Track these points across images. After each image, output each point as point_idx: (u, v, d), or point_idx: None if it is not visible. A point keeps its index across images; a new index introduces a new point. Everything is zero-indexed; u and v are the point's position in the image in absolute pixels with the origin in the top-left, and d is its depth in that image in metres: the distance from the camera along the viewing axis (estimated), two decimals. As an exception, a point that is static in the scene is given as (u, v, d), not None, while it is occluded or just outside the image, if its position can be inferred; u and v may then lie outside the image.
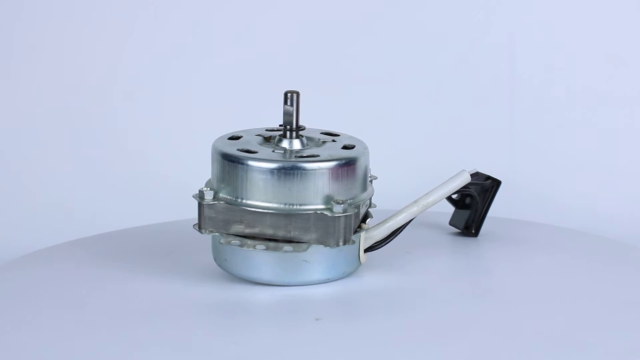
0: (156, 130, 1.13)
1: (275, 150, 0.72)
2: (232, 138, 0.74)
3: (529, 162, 1.12)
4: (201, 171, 0.79)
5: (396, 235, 0.76)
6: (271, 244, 0.70)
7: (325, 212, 0.69)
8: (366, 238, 0.74)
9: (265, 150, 0.72)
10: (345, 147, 0.72)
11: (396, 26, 1.14)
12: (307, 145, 0.73)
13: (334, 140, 0.74)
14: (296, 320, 0.69)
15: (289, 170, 0.70)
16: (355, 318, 0.70)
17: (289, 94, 0.72)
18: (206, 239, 0.74)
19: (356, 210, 0.70)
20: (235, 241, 0.70)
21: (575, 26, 1.12)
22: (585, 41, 1.11)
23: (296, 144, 0.73)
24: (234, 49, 1.14)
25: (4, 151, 1.11)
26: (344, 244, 0.70)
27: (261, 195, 0.70)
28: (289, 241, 0.70)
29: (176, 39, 1.14)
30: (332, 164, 0.70)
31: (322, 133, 0.76)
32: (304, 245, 0.69)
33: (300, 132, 0.74)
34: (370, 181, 0.75)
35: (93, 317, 0.69)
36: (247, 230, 0.70)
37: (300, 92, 0.73)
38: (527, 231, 0.88)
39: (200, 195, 0.71)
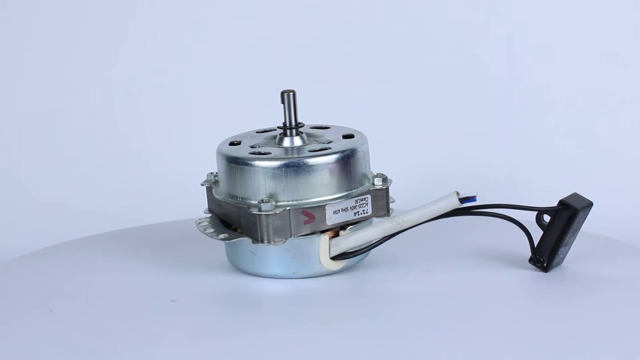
0: (158, 129, 1.13)
1: (254, 146, 0.74)
2: (259, 132, 0.77)
3: (528, 163, 1.12)
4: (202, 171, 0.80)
5: (371, 249, 0.72)
6: (217, 229, 0.73)
7: (252, 209, 0.70)
8: (333, 245, 0.72)
9: (244, 145, 0.74)
10: (320, 150, 0.72)
11: (394, 26, 1.14)
12: (307, 143, 0.74)
13: (330, 142, 0.73)
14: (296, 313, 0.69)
15: (236, 165, 0.72)
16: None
17: (285, 94, 0.73)
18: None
19: (280, 211, 0.69)
20: (203, 223, 0.75)
21: (575, 26, 1.11)
22: (585, 41, 1.11)
23: (297, 142, 0.73)
24: (236, 47, 1.13)
25: (6, 151, 1.12)
26: (268, 242, 0.70)
27: (225, 185, 0.73)
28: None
29: (177, 37, 1.13)
30: (274, 163, 0.70)
31: (343, 135, 0.75)
32: (234, 235, 0.72)
33: (323, 130, 0.76)
34: (387, 190, 0.73)
35: (105, 308, 0.70)
36: (223, 216, 0.75)
37: (296, 91, 0.73)
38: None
39: (207, 179, 0.77)
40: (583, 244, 0.77)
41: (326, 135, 0.75)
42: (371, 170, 0.74)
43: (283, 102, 0.73)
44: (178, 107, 1.12)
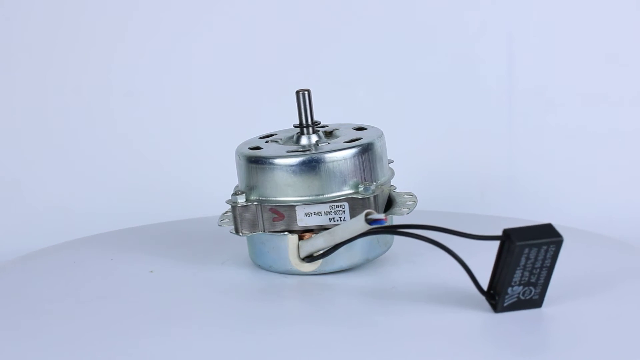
0: (158, 129, 1.13)
1: (269, 141, 0.76)
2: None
3: (528, 162, 1.11)
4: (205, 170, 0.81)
5: (325, 256, 0.72)
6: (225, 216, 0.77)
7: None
8: (300, 247, 0.73)
9: (263, 140, 0.77)
10: (298, 151, 0.73)
11: (394, 26, 1.13)
12: (324, 141, 0.75)
13: (328, 143, 0.74)
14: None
15: (236, 157, 0.75)
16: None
17: (300, 92, 0.74)
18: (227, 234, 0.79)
19: (247, 205, 0.72)
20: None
21: (575, 26, 1.11)
22: (585, 41, 1.10)
23: (314, 140, 0.75)
24: (236, 46, 1.12)
25: (6, 152, 1.13)
26: (240, 233, 0.73)
27: None
28: None
29: (176, 37, 1.13)
30: (251, 159, 0.73)
31: (347, 140, 0.75)
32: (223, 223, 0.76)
33: (356, 132, 0.76)
34: (372, 200, 0.72)
35: (124, 299, 0.72)
36: None
37: (311, 90, 0.74)
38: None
39: None
40: (582, 244, 0.77)
41: (345, 136, 0.74)
42: (373, 176, 0.73)
43: (298, 101, 0.74)
44: (179, 107, 1.13)
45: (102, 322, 0.67)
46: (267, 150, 0.73)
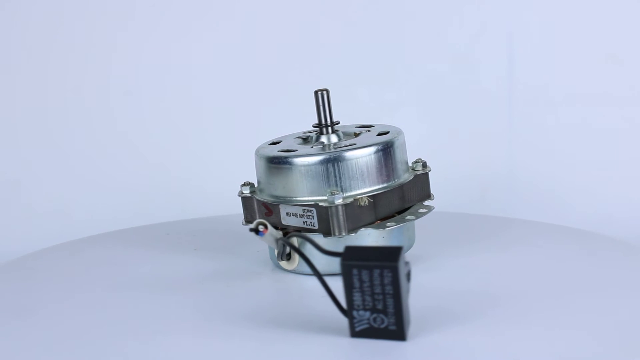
0: (158, 129, 1.13)
1: (298, 137, 0.77)
2: (358, 126, 0.79)
3: (528, 162, 1.12)
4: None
5: (282, 259, 0.73)
6: None
7: None
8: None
9: (290, 135, 0.78)
10: (288, 150, 0.74)
11: (394, 27, 1.14)
12: (343, 139, 0.75)
13: (322, 146, 0.74)
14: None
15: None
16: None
17: (319, 92, 0.74)
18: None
19: (247, 197, 0.74)
20: None
21: (575, 26, 1.11)
22: (585, 41, 1.11)
23: (333, 139, 0.75)
24: (236, 46, 1.13)
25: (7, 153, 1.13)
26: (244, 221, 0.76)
27: None
28: None
29: (175, 36, 1.13)
30: (258, 155, 0.74)
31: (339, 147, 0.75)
32: None
33: (381, 135, 0.74)
34: (335, 210, 0.70)
35: (133, 290, 0.73)
36: None
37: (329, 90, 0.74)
38: (524, 229, 0.84)
39: None
40: (581, 242, 0.77)
41: (353, 141, 0.74)
42: (354, 185, 0.71)
43: (317, 100, 0.74)
44: (178, 106, 1.14)
45: (100, 322, 0.67)
46: (273, 146, 0.74)
